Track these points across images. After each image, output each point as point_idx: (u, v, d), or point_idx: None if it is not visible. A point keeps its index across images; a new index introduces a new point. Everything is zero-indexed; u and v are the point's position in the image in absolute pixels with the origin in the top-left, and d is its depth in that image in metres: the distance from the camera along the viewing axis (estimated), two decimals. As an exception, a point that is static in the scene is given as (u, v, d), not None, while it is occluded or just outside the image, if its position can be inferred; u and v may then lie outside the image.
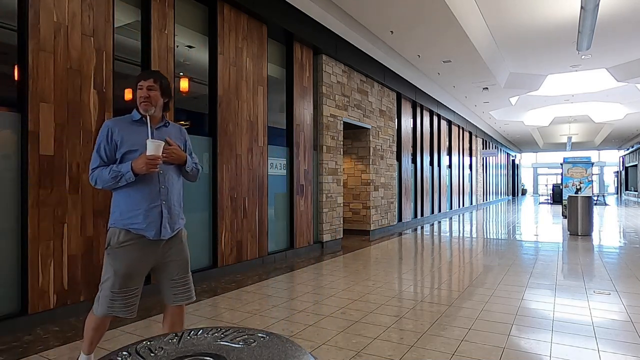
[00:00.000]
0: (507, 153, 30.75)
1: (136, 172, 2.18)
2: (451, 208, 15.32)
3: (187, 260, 2.44)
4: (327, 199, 7.42)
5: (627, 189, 31.86)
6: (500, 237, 9.46)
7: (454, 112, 14.85)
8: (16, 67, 3.40)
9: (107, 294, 2.22)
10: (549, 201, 23.77)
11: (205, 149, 5.15)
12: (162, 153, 2.19)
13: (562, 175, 14.58)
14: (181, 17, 4.90)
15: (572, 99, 14.99)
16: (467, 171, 17.88)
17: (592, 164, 14.55)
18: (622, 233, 10.22)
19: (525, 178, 40.88)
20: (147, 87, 2.27)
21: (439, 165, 13.81)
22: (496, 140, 24.29)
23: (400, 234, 9.70)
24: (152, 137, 2.21)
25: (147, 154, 2.15)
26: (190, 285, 2.43)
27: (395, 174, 10.62)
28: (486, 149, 21.93)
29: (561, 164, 14.71)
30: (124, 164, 2.21)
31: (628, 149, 29.54)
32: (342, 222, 7.99)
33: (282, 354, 0.96)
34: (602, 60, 10.42)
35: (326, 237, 7.43)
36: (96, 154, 2.26)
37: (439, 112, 13.38)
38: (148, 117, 2.27)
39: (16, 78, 3.41)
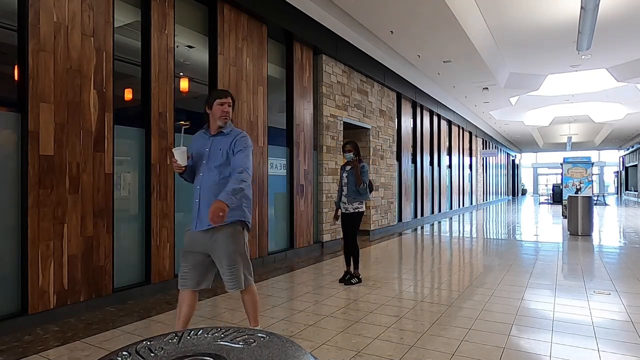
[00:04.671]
0: (507, 153, 30.75)
1: None
2: (451, 208, 15.32)
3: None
4: (327, 199, 7.42)
5: (627, 189, 31.86)
6: (500, 237, 9.46)
7: (454, 112, 14.85)
8: (16, 67, 3.40)
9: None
10: (549, 201, 23.77)
11: (205, 149, 5.14)
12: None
13: (562, 175, 14.59)
14: (181, 17, 4.90)
15: (572, 99, 14.99)
16: (467, 171, 17.89)
17: (592, 164, 14.56)
18: (622, 233, 10.22)
19: (525, 178, 40.85)
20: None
21: (439, 165, 13.81)
22: (496, 140, 24.29)
23: (400, 234, 9.70)
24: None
25: None
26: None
27: (395, 174, 10.62)
28: (486, 149, 21.93)
29: (561, 164, 14.72)
30: None
31: (628, 149, 29.54)
32: (342, 222, 7.98)
33: (282, 354, 0.96)
34: (602, 60, 10.42)
35: (326, 237, 7.43)
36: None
37: (439, 112, 13.38)
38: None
39: (16, 78, 3.41)
